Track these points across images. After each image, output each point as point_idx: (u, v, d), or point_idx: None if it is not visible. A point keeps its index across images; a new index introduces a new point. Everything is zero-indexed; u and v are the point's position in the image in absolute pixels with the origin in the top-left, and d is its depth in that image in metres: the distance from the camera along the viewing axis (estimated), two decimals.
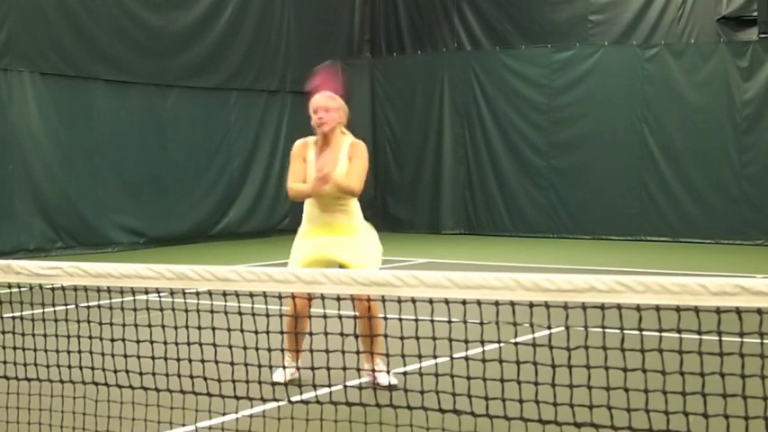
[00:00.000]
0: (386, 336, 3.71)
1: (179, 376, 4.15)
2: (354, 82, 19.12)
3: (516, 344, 3.54)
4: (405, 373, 3.89)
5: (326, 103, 6.44)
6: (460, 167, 18.26)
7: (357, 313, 5.52)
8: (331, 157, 6.26)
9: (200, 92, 16.66)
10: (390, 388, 5.33)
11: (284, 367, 5.80)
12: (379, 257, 6.33)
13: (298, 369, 5.78)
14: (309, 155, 6.40)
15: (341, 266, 5.98)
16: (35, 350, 4.42)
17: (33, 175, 14.34)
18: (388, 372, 5.49)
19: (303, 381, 3.98)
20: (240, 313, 3.80)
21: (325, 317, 3.92)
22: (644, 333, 3.28)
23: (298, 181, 6.35)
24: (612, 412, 3.29)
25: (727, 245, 15.79)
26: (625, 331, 3.27)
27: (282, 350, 4.38)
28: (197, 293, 4.05)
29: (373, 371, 5.80)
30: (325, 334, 3.85)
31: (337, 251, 6.11)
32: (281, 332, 3.92)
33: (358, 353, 3.77)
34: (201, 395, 4.09)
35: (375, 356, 5.73)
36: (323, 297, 3.72)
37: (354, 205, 6.34)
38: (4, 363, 4.42)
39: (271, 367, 4.45)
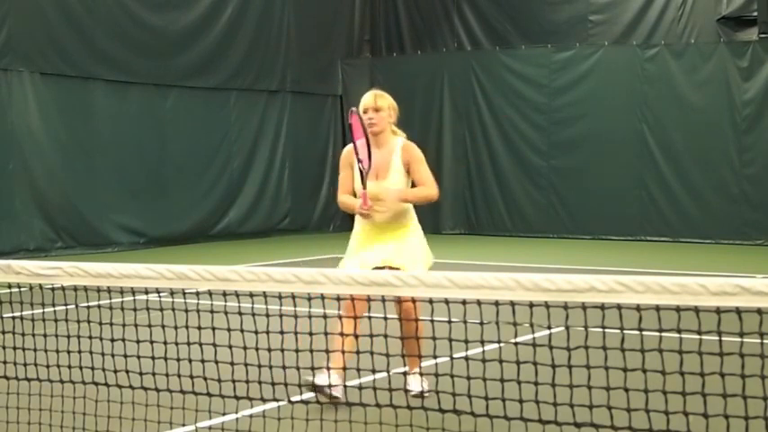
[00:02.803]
0: (385, 336, 3.71)
1: (179, 376, 4.15)
2: (354, 82, 19.14)
3: (516, 344, 3.54)
4: (405, 374, 3.89)
5: (376, 103, 6.15)
6: (460, 167, 18.26)
7: (400, 315, 5.35)
8: (382, 161, 5.97)
9: (200, 92, 16.66)
10: (421, 395, 5.17)
11: (328, 368, 5.04)
12: (428, 260, 5.97)
13: (345, 386, 5.16)
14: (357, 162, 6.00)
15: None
16: (35, 350, 4.42)
17: (33, 175, 14.34)
18: (421, 374, 5.31)
19: (303, 381, 3.97)
20: (240, 313, 3.79)
21: (325, 317, 3.92)
22: (644, 333, 3.28)
23: (345, 191, 6.09)
24: (612, 412, 3.29)
25: (727, 245, 15.79)
26: (625, 331, 3.27)
27: (327, 351, 4.16)
28: (197, 293, 4.05)
29: (405, 374, 5.52)
30: (325, 334, 3.85)
31: (391, 257, 5.78)
32: (281, 332, 3.92)
33: (358, 353, 3.77)
34: (201, 395, 4.09)
35: (410, 360, 5.43)
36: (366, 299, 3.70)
37: (408, 206, 6.09)
38: (4, 363, 4.42)
39: (271, 367, 4.45)
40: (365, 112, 6.11)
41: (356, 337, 4.41)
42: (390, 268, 5.57)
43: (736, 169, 15.98)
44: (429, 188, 5.95)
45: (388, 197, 5.82)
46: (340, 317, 4.67)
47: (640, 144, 16.63)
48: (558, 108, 17.34)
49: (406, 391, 5.29)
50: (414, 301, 5.18)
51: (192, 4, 16.43)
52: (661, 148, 16.51)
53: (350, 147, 6.09)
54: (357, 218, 6.08)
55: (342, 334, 4.82)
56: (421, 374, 5.42)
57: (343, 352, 4.38)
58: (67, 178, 14.75)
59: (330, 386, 5.07)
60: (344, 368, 4.71)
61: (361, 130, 5.97)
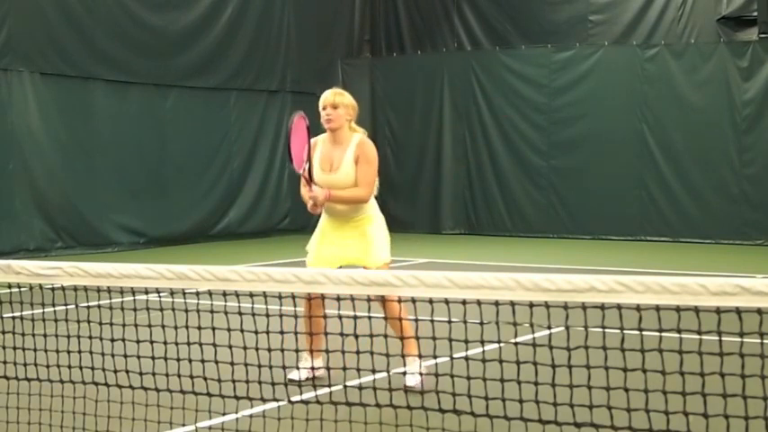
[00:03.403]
0: (385, 336, 3.71)
1: (179, 376, 4.15)
2: (354, 82, 19.14)
3: (516, 344, 3.54)
4: (405, 373, 3.89)
5: (335, 100, 6.45)
6: (460, 167, 18.26)
7: (385, 314, 5.58)
8: (338, 156, 6.30)
9: (200, 92, 16.65)
10: (420, 386, 5.41)
11: (297, 368, 5.83)
12: (388, 254, 6.29)
13: (313, 369, 5.83)
14: (316, 154, 6.38)
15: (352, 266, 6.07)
16: (35, 350, 4.42)
17: (33, 175, 14.33)
18: (421, 374, 5.51)
19: (303, 381, 3.98)
20: (240, 313, 3.80)
21: (325, 317, 3.92)
22: (644, 333, 3.28)
23: (305, 183, 6.32)
24: (612, 412, 3.29)
25: (727, 245, 15.79)
26: (625, 331, 3.27)
27: (297, 351, 4.36)
28: (197, 293, 4.05)
29: (404, 373, 5.75)
30: (325, 334, 3.85)
31: (351, 255, 6.19)
32: (281, 332, 3.92)
33: (358, 353, 3.77)
34: (201, 395, 4.09)
35: (406, 357, 5.69)
36: (323, 297, 3.71)
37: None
38: (4, 363, 4.42)
39: (271, 367, 4.45)
40: (324, 108, 6.42)
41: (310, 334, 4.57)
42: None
43: (736, 169, 15.98)
44: (360, 190, 6.21)
45: (317, 196, 6.11)
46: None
47: (640, 144, 16.63)
48: (558, 108, 17.34)
49: (406, 390, 5.31)
50: (399, 300, 5.29)
51: (191, 4, 16.43)
52: (661, 148, 16.50)
53: (312, 139, 6.43)
54: (324, 210, 6.38)
55: (310, 333, 5.61)
56: (420, 374, 5.53)
57: (310, 334, 4.89)
58: (67, 178, 14.75)
59: (305, 370, 5.69)
60: (312, 350, 5.65)
61: (302, 134, 6.27)
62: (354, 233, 6.25)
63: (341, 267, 6.17)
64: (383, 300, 5.54)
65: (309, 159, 6.23)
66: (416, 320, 3.64)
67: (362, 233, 6.24)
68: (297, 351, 3.95)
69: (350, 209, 6.26)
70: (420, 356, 5.62)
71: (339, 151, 6.33)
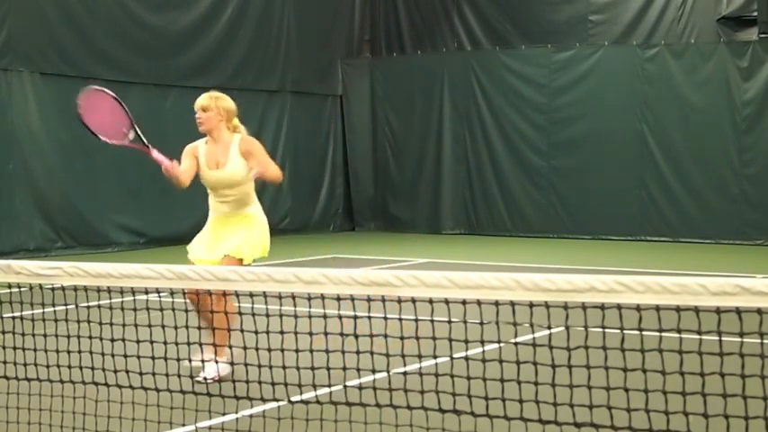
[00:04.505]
0: (385, 336, 3.70)
1: (179, 376, 4.15)
2: (354, 82, 19.15)
3: (516, 344, 3.54)
4: (405, 373, 3.89)
5: (202, 103, 6.73)
6: (460, 167, 18.26)
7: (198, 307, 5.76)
8: (221, 153, 6.57)
9: (200, 92, 16.43)
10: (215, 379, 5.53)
11: (203, 361, 5.78)
12: (263, 249, 6.59)
13: (203, 361, 5.78)
14: (201, 155, 6.66)
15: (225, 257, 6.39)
16: (35, 350, 4.42)
17: (33, 175, 14.33)
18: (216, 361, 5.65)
19: (303, 381, 3.97)
20: (240, 313, 3.80)
21: (325, 317, 3.92)
22: (644, 333, 3.28)
23: (186, 176, 6.63)
24: (612, 412, 3.29)
25: (727, 245, 15.80)
26: (625, 331, 3.27)
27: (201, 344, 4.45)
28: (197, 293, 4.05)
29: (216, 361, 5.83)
30: (325, 334, 3.85)
31: (225, 247, 6.42)
32: (281, 332, 3.92)
33: (358, 353, 3.77)
34: (201, 395, 4.09)
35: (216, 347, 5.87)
36: (247, 294, 3.70)
37: (248, 194, 6.65)
38: (4, 363, 4.42)
39: (271, 367, 4.46)
40: (196, 112, 6.75)
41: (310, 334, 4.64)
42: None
43: (736, 169, 15.98)
44: (273, 169, 6.55)
45: (245, 176, 6.43)
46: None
47: (640, 144, 16.63)
48: (558, 108, 17.34)
49: (406, 391, 5.31)
50: (210, 294, 5.33)
51: (191, 4, 16.42)
52: (661, 148, 16.51)
53: (193, 143, 6.73)
54: (210, 208, 6.75)
55: (199, 327, 5.65)
56: (216, 362, 5.66)
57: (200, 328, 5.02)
58: (67, 178, 14.74)
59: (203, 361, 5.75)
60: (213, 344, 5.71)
61: (105, 103, 6.43)
62: (235, 229, 6.49)
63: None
64: (196, 292, 5.68)
65: (134, 126, 6.40)
66: (416, 320, 3.64)
67: (245, 228, 6.50)
68: (297, 351, 3.95)
69: (235, 205, 6.56)
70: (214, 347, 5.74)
71: (221, 149, 6.57)
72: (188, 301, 5.91)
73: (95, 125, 6.23)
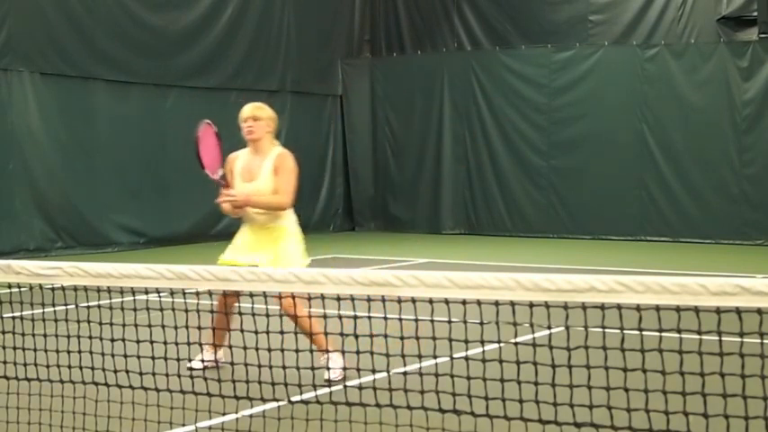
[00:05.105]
0: (385, 336, 3.70)
1: (179, 376, 4.15)
2: (354, 82, 19.15)
3: (516, 344, 3.54)
4: (405, 373, 3.89)
5: (254, 113, 6.66)
6: (460, 167, 18.27)
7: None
8: (257, 166, 6.58)
9: (200, 92, 16.65)
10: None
11: (203, 360, 5.93)
12: (297, 263, 6.53)
13: (216, 362, 5.93)
14: (237, 167, 6.67)
15: None
16: (35, 350, 4.42)
17: (33, 175, 14.33)
18: (344, 368, 5.66)
19: (303, 381, 3.98)
20: (240, 313, 3.80)
21: (325, 317, 3.92)
22: (644, 333, 3.28)
23: (224, 187, 6.62)
24: (612, 412, 3.29)
25: (727, 245, 15.79)
26: (625, 331, 3.27)
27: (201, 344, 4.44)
28: (197, 293, 4.05)
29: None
30: (326, 334, 3.85)
31: (259, 262, 6.36)
32: (281, 332, 3.92)
33: (358, 353, 3.77)
34: (201, 395, 4.10)
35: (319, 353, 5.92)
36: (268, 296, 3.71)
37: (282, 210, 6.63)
38: (4, 363, 4.42)
39: (271, 367, 4.46)
40: (245, 121, 6.65)
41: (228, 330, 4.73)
42: None
43: (736, 169, 15.98)
44: (278, 197, 6.48)
45: (236, 198, 6.44)
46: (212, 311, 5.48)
47: (640, 144, 16.63)
48: (558, 108, 17.34)
49: (406, 391, 5.32)
50: (293, 296, 5.34)
51: (191, 4, 16.43)
52: (661, 148, 16.51)
53: (233, 154, 6.73)
54: (244, 219, 6.70)
55: (214, 329, 5.71)
56: (344, 368, 5.66)
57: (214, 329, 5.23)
58: (67, 178, 14.75)
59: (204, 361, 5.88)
60: (216, 345, 5.93)
61: (211, 140, 6.60)
62: (268, 243, 6.49)
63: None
64: (279, 296, 5.59)
65: (224, 165, 6.59)
66: (416, 320, 3.64)
67: (275, 245, 6.48)
68: (297, 351, 3.95)
69: (267, 217, 6.53)
70: (327, 351, 5.75)
71: (258, 161, 6.59)
72: (216, 303, 5.93)
73: (204, 157, 6.48)
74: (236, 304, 5.91)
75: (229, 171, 6.64)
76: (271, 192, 6.50)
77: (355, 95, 19.23)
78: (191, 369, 5.29)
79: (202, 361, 5.87)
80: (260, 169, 6.55)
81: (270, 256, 6.40)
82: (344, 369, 5.66)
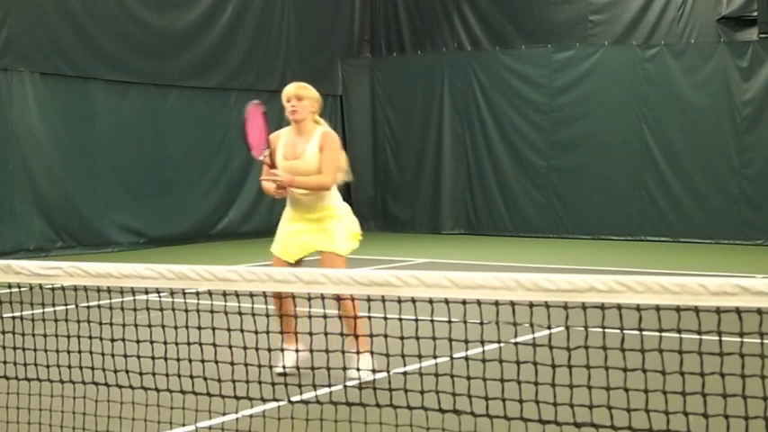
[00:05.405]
0: (385, 336, 3.71)
1: (179, 376, 4.15)
2: (354, 82, 19.15)
3: (516, 344, 3.54)
4: (405, 373, 3.89)
5: (298, 92, 6.57)
6: (460, 167, 18.26)
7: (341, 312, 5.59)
8: (302, 145, 6.49)
9: (200, 92, 16.65)
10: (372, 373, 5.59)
11: (284, 366, 5.81)
12: (351, 241, 6.56)
13: (297, 351, 5.85)
14: (280, 145, 6.58)
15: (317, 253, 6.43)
16: (35, 350, 4.42)
17: (33, 175, 14.33)
18: (373, 370, 5.66)
19: (303, 381, 3.98)
20: (240, 313, 3.80)
21: (325, 317, 3.92)
22: (644, 333, 3.27)
23: (267, 168, 6.53)
24: (612, 412, 3.29)
25: (727, 245, 15.79)
26: (625, 331, 3.27)
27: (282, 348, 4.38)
28: (197, 293, 4.05)
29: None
30: (325, 334, 3.85)
31: (313, 244, 6.45)
32: (281, 332, 3.92)
33: (358, 353, 3.78)
34: (201, 395, 4.09)
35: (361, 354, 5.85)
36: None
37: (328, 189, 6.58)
38: (4, 363, 4.42)
39: (271, 367, 4.46)
40: (288, 100, 6.55)
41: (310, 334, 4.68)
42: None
43: (736, 169, 15.98)
44: (323, 176, 6.41)
45: (282, 179, 6.35)
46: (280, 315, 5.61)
47: (640, 144, 16.63)
48: (558, 108, 17.34)
49: (406, 391, 5.33)
50: (353, 299, 5.33)
51: (191, 4, 16.42)
52: (661, 148, 16.50)
53: (275, 133, 6.64)
54: (287, 203, 6.64)
55: (282, 332, 5.82)
56: (373, 370, 5.66)
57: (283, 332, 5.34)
58: (67, 178, 14.75)
59: (283, 368, 5.68)
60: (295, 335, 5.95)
61: (258, 121, 6.53)
62: (316, 225, 6.46)
63: (302, 259, 6.56)
64: (338, 298, 5.56)
65: (269, 146, 6.49)
66: (416, 320, 3.64)
67: (324, 226, 6.45)
68: (297, 351, 3.94)
69: (313, 198, 6.46)
70: (372, 353, 5.80)
71: (303, 141, 6.50)
72: (273, 306, 5.87)
73: (251, 137, 6.44)
74: (293, 304, 5.71)
75: (273, 150, 6.56)
76: (315, 171, 6.42)
77: (355, 95, 19.23)
78: (279, 375, 5.20)
79: (284, 367, 5.59)
80: (304, 148, 6.46)
81: (327, 236, 6.37)
82: (374, 371, 5.63)
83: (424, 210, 18.64)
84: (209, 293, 3.83)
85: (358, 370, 5.73)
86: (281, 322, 5.94)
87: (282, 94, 6.61)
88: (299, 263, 6.58)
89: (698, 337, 3.26)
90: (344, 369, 3.92)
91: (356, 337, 4.06)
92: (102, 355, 4.28)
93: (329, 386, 3.96)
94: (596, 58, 17.04)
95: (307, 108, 6.53)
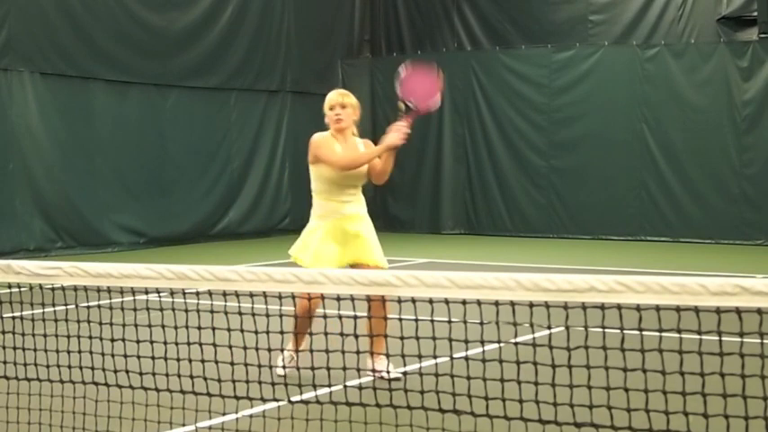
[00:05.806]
0: (385, 336, 3.71)
1: (179, 376, 4.15)
2: (354, 82, 19.14)
3: (516, 344, 3.54)
4: (405, 373, 3.89)
5: (343, 100, 6.55)
6: (460, 167, 18.26)
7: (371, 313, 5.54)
8: (352, 149, 6.51)
9: (200, 92, 16.65)
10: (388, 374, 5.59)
11: (284, 366, 5.79)
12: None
13: (296, 351, 5.82)
14: (337, 147, 6.49)
15: (356, 265, 6.16)
16: (35, 350, 4.42)
17: (33, 175, 14.33)
18: (388, 371, 5.68)
19: (303, 381, 3.98)
20: (240, 313, 3.79)
21: (325, 317, 3.92)
22: (644, 333, 3.28)
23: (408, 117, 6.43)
24: (612, 412, 3.29)
25: (727, 245, 15.79)
26: (625, 331, 3.27)
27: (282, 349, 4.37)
28: (197, 293, 4.05)
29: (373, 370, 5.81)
30: (325, 334, 3.85)
31: (353, 255, 6.24)
32: (281, 332, 3.92)
33: (358, 353, 3.78)
34: (201, 395, 4.09)
35: (378, 346, 5.82)
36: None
37: (361, 195, 6.62)
38: (4, 363, 4.42)
39: (271, 367, 4.46)
40: (332, 108, 6.54)
41: (311, 334, 4.68)
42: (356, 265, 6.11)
43: (736, 169, 15.98)
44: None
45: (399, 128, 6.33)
46: (296, 316, 5.43)
47: (640, 144, 16.63)
48: (558, 108, 17.34)
49: (406, 391, 5.33)
50: (384, 300, 5.33)
51: (191, 4, 16.43)
52: (661, 148, 16.50)
53: (322, 134, 6.60)
54: (318, 213, 6.58)
55: (296, 333, 5.79)
56: (387, 371, 5.68)
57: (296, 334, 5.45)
58: (67, 178, 14.75)
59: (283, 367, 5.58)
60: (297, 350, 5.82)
61: (421, 75, 6.59)
62: (357, 232, 6.33)
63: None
64: (383, 300, 5.55)
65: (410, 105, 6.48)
66: (416, 320, 3.64)
67: (361, 233, 6.35)
68: (297, 351, 3.94)
69: (357, 205, 6.47)
70: (385, 355, 5.73)
71: (351, 147, 6.51)
72: (298, 307, 5.67)
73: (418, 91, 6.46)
74: (320, 306, 5.53)
75: (334, 147, 6.51)
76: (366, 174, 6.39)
77: (355, 95, 19.10)
78: (280, 375, 5.24)
79: (284, 367, 5.48)
80: (357, 151, 6.49)
81: (360, 250, 6.24)
82: (388, 372, 5.67)
83: (423, 210, 18.64)
84: (209, 293, 3.83)
85: (388, 372, 5.75)
86: (295, 323, 5.82)
87: (325, 102, 6.56)
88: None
89: (698, 337, 3.26)
90: (344, 369, 3.92)
91: (385, 337, 4.05)
92: (102, 355, 4.28)
93: (329, 386, 3.96)
94: (596, 59, 17.04)
95: (350, 116, 6.56)
